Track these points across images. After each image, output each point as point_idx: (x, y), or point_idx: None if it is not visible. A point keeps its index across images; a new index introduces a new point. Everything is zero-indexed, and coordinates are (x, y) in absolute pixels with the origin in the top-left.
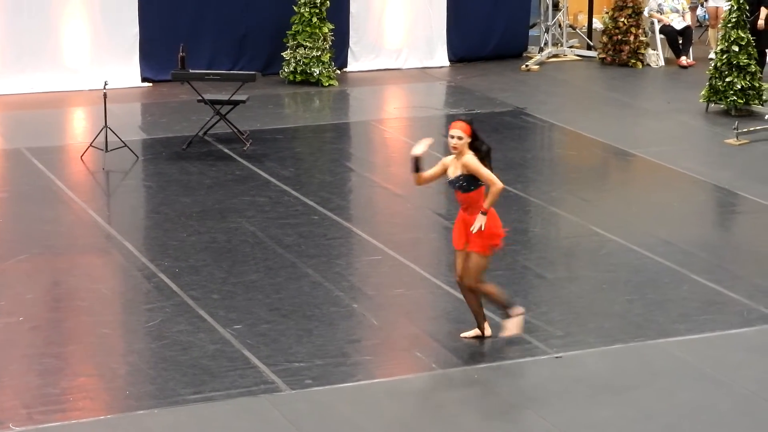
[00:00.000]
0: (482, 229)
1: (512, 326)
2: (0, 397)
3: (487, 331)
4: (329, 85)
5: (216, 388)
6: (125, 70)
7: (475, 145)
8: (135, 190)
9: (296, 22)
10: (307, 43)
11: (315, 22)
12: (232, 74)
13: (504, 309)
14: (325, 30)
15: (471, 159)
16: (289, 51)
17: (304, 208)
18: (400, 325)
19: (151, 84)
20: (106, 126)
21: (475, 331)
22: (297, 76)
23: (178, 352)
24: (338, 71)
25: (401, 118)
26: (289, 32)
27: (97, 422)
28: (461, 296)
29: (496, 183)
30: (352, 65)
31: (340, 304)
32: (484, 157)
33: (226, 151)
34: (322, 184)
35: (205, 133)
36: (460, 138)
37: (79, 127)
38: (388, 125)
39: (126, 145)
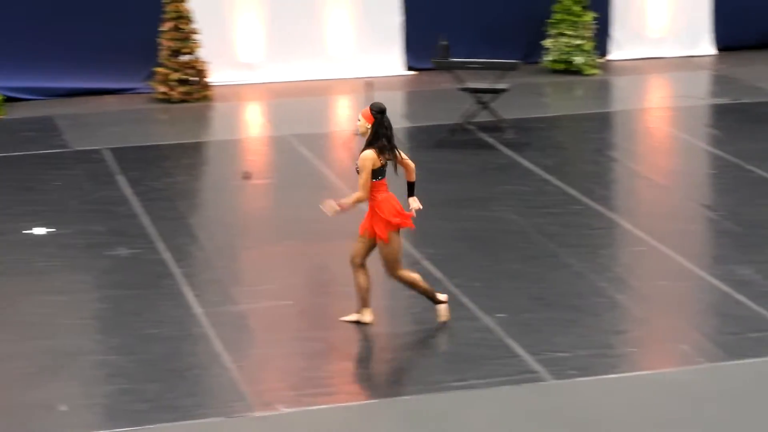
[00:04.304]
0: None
1: (444, 312)
2: (268, 379)
3: (442, 297)
4: (591, 73)
5: (478, 375)
6: (388, 59)
7: (375, 131)
8: (398, 178)
9: (558, 10)
10: (569, 32)
11: (577, 11)
12: (493, 63)
13: (430, 297)
14: (588, 18)
15: (364, 155)
16: (550, 39)
17: (567, 197)
18: (664, 318)
19: (415, 72)
20: None
21: (444, 309)
22: (558, 65)
23: (441, 338)
24: (600, 60)
25: (664, 107)
26: (551, 21)
27: (361, 406)
28: (727, 289)
29: (360, 190)
30: (614, 54)
31: (603, 294)
32: (373, 144)
33: (487, 139)
34: (584, 174)
35: (467, 122)
36: (359, 120)
37: (344, 115)
38: (652, 115)
39: None
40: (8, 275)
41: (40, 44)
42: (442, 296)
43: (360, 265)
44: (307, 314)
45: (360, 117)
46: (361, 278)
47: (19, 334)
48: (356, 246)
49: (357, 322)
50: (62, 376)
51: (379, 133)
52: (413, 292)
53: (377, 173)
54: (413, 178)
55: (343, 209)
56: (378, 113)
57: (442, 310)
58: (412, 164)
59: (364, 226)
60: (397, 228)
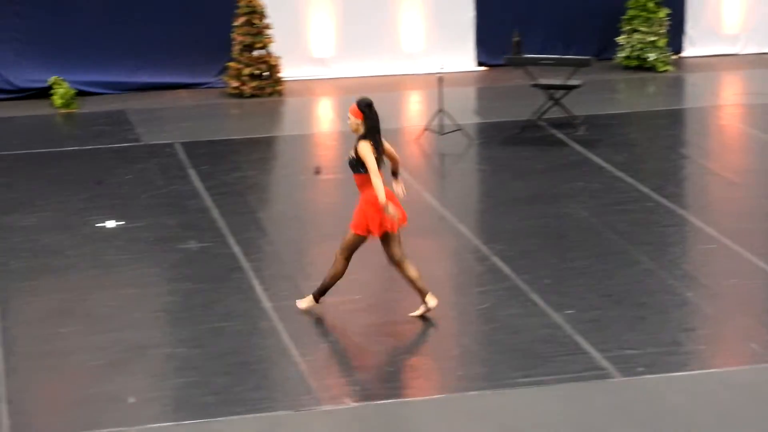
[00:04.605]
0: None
1: (306, 302)
2: (336, 373)
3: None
4: (664, 70)
5: (546, 372)
6: (460, 55)
7: (368, 125)
8: (468, 174)
9: (632, 6)
10: (643, 28)
11: (651, 7)
12: (566, 59)
13: (321, 292)
14: (662, 15)
15: (362, 146)
16: (624, 36)
17: (638, 194)
18: (734, 315)
19: (486, 68)
20: (441, 109)
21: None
22: (632, 62)
23: (509, 335)
24: (673, 57)
25: (738, 105)
26: (625, 17)
27: (430, 401)
28: None
29: (375, 178)
30: (688, 50)
31: (673, 292)
32: (367, 137)
33: (559, 136)
34: (656, 171)
35: (539, 118)
36: (349, 119)
37: (415, 110)
38: (725, 112)
39: (460, 129)
40: (79, 268)
41: (114, 39)
42: (320, 299)
43: (399, 261)
44: (375, 309)
45: (349, 115)
46: (409, 271)
47: (89, 327)
48: (385, 248)
49: (423, 316)
50: (131, 368)
51: (374, 127)
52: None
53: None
54: (399, 168)
55: (385, 205)
56: (366, 107)
57: (305, 301)
58: (397, 155)
59: (363, 224)
60: (374, 232)
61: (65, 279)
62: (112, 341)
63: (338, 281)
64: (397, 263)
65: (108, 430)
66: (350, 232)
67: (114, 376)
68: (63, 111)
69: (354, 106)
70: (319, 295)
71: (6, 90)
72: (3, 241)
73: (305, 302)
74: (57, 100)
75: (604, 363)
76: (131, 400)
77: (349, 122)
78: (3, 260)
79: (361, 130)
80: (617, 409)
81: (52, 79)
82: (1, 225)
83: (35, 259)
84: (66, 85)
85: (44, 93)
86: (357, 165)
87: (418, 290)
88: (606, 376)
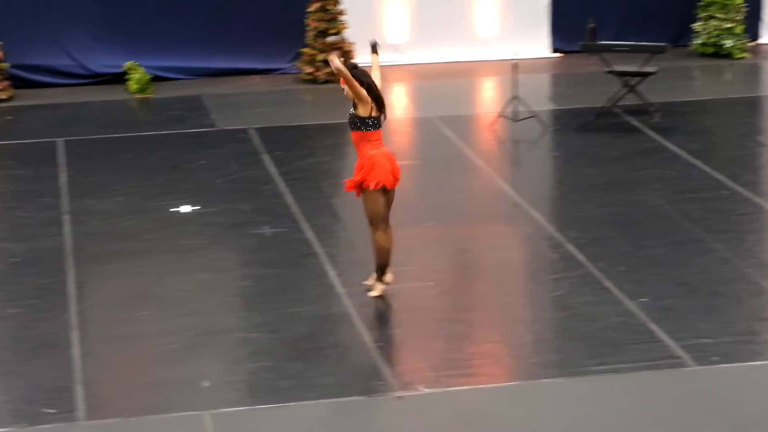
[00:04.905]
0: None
1: (379, 290)
2: (410, 359)
3: (388, 278)
4: (741, 57)
5: (621, 360)
6: (535, 41)
7: (368, 85)
8: (542, 161)
9: None
10: (720, 15)
11: None
12: (641, 46)
13: (381, 271)
14: (738, 1)
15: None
16: (700, 23)
17: (713, 182)
18: None
19: (561, 55)
20: (515, 96)
21: (380, 288)
22: (708, 48)
23: (583, 322)
24: (750, 44)
25: None
26: (701, 3)
27: (502, 388)
28: None
29: (349, 81)
30: (765, 37)
31: (749, 281)
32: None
33: (634, 123)
34: (731, 159)
35: (613, 105)
36: (343, 89)
37: (489, 97)
38: None
39: (535, 116)
40: (154, 253)
41: (188, 24)
42: (389, 277)
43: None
44: (449, 295)
45: (341, 86)
46: (383, 239)
47: (164, 311)
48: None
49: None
50: (206, 352)
51: (367, 84)
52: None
53: (371, 123)
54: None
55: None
56: (353, 69)
57: (379, 288)
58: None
59: (355, 182)
60: (382, 185)
61: (140, 263)
62: (186, 325)
63: (390, 253)
64: (373, 224)
65: (182, 413)
66: (364, 202)
67: (188, 360)
68: (138, 96)
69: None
70: (382, 275)
71: (81, 75)
72: (79, 225)
73: (376, 290)
74: (132, 85)
75: (679, 352)
76: (205, 384)
77: (344, 92)
78: (79, 244)
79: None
80: (692, 399)
81: (128, 64)
82: (77, 209)
83: (111, 243)
84: (141, 70)
85: (119, 78)
86: (356, 121)
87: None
88: (680, 365)
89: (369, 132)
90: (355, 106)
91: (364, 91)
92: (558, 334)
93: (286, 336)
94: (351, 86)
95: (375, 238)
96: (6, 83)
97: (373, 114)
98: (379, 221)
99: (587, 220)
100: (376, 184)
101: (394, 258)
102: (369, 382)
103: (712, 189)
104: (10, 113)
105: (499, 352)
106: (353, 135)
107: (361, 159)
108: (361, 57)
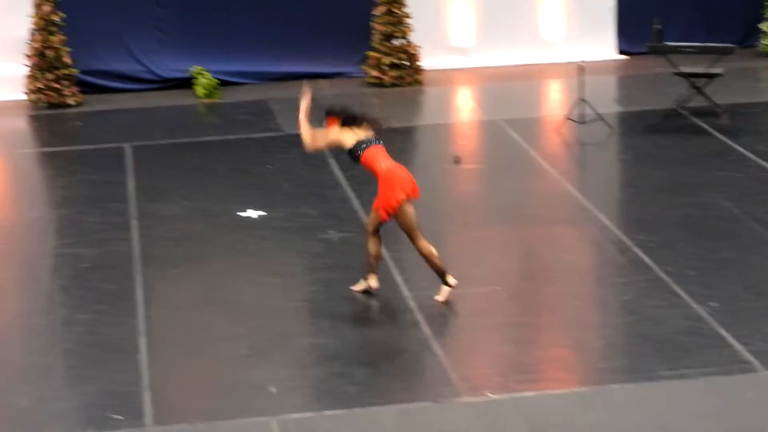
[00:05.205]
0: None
1: (445, 294)
2: (476, 364)
3: (452, 281)
4: None
5: (690, 365)
6: (600, 43)
7: (351, 119)
8: (609, 163)
9: None
10: None
11: None
12: (708, 47)
13: (441, 275)
14: None
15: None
16: (767, 23)
17: None
18: None
19: (627, 56)
20: (582, 99)
21: (446, 291)
22: None
23: (652, 327)
24: None
25: None
26: (767, 3)
27: (570, 394)
28: None
29: (306, 133)
30: None
31: None
32: (347, 123)
33: (701, 124)
34: None
35: (680, 107)
36: (334, 137)
37: (555, 99)
38: None
39: (601, 118)
40: (222, 257)
41: (255, 29)
42: (452, 280)
43: (372, 233)
44: (516, 300)
45: (333, 134)
46: (372, 245)
47: (231, 315)
48: (371, 216)
49: (366, 291)
50: (273, 357)
51: (350, 118)
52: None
53: (365, 144)
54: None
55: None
56: (333, 113)
57: (445, 292)
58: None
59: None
60: (405, 199)
61: (208, 268)
62: (253, 330)
63: (438, 257)
64: (368, 232)
65: (250, 419)
66: (397, 219)
67: (256, 364)
68: (205, 101)
69: (327, 120)
70: (444, 280)
71: (149, 80)
72: (148, 229)
73: (442, 295)
74: (199, 90)
75: (748, 356)
76: (273, 389)
77: (344, 138)
78: (148, 249)
79: (347, 126)
80: (763, 404)
81: (195, 69)
82: (146, 214)
83: (179, 247)
84: (208, 75)
85: (187, 83)
86: (351, 154)
87: (372, 267)
88: (750, 369)
89: (368, 151)
90: (341, 145)
91: (323, 135)
92: (626, 338)
93: (353, 341)
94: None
95: (419, 247)
96: (75, 89)
97: (362, 137)
98: (416, 231)
99: (655, 223)
100: (397, 201)
101: (462, 261)
102: (437, 388)
103: None
104: (79, 118)
105: (566, 356)
106: (361, 165)
107: (379, 179)
108: (426, 60)
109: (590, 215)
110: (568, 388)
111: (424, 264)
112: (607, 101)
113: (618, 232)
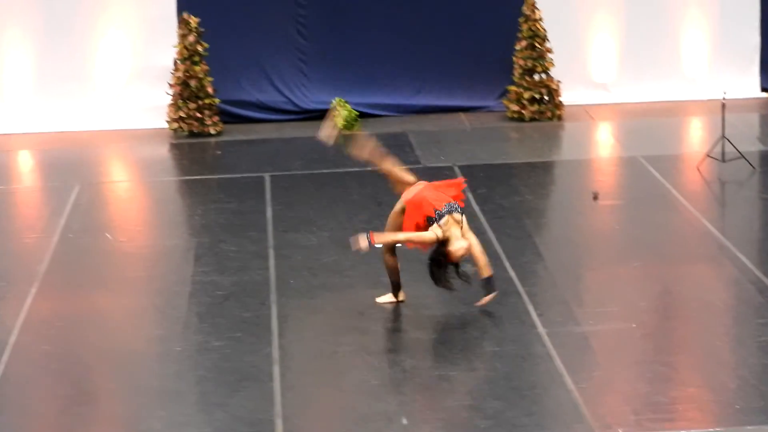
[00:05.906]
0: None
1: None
2: (610, 401)
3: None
4: None
5: None
6: (744, 80)
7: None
8: (750, 202)
9: None
10: None
11: None
12: None
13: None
14: None
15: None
16: None
17: None
18: None
19: None
20: (723, 136)
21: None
22: None
23: None
24: None
25: None
26: None
27: None
28: None
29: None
30: None
31: None
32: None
33: None
34: None
35: None
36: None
37: (696, 136)
38: None
39: (743, 156)
40: (357, 288)
41: (395, 62)
42: (402, 296)
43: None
44: (652, 338)
45: (438, 231)
46: (388, 259)
47: (364, 346)
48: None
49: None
50: (405, 389)
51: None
52: None
53: (437, 215)
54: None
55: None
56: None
57: (387, 298)
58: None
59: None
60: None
61: (343, 298)
62: (386, 361)
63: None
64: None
65: None
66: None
67: (387, 395)
68: (345, 132)
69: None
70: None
71: (290, 111)
72: (284, 259)
73: (384, 297)
74: (339, 121)
75: None
76: (405, 421)
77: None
78: (283, 278)
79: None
80: None
81: (335, 100)
82: (283, 243)
83: (314, 277)
84: (349, 106)
85: (326, 114)
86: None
87: (396, 281)
88: None
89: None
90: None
91: (427, 235)
92: (764, 380)
93: (485, 374)
94: (418, 243)
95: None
96: (216, 118)
97: (429, 215)
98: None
99: None
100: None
101: (599, 297)
102: (569, 424)
103: None
104: (220, 147)
105: (702, 396)
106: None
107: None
108: (567, 95)
109: (729, 254)
110: (703, 428)
111: (559, 299)
112: (750, 139)
113: (757, 272)
